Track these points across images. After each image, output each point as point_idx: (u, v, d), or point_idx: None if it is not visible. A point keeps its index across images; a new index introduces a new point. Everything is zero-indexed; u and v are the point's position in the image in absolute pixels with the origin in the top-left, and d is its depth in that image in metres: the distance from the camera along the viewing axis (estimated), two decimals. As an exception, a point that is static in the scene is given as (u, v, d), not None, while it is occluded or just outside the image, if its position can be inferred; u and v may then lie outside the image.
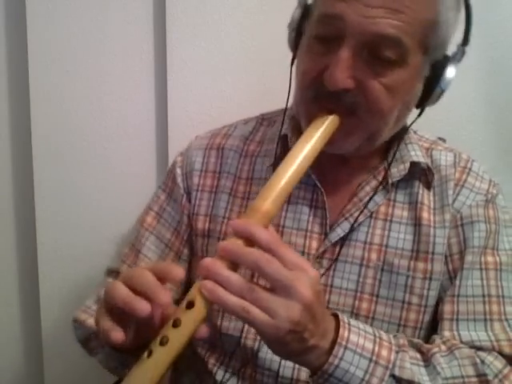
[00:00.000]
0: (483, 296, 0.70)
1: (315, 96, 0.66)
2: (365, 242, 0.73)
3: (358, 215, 0.72)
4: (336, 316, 0.61)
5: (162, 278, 0.54)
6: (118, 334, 0.54)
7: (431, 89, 0.67)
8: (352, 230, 0.73)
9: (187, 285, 0.81)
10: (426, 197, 0.75)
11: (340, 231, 0.73)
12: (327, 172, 0.75)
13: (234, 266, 0.56)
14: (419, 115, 0.71)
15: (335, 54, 0.62)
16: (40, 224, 1.17)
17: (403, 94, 0.65)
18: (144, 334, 0.56)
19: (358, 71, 0.62)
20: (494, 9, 1.03)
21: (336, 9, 0.62)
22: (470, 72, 1.05)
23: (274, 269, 0.53)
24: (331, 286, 0.73)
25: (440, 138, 0.83)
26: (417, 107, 0.71)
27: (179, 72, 1.09)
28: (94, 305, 0.80)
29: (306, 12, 0.69)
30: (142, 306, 0.52)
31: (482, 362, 0.65)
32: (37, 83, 1.11)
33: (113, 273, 0.86)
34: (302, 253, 0.74)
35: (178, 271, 0.54)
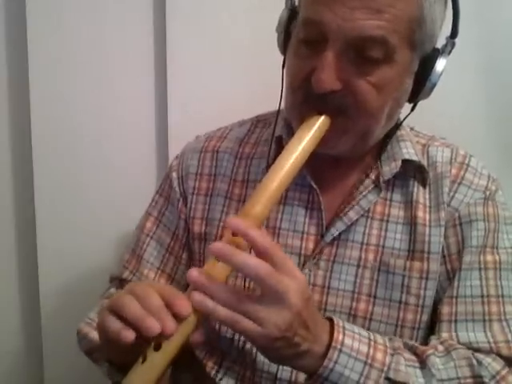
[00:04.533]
0: (482, 296, 0.70)
1: (305, 98, 0.66)
2: (362, 243, 0.73)
3: (348, 211, 0.72)
4: (331, 320, 0.61)
5: (168, 304, 0.55)
6: (128, 333, 0.54)
7: (422, 83, 0.67)
8: (347, 230, 0.72)
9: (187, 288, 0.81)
10: (421, 195, 0.74)
11: (334, 231, 0.72)
12: (323, 172, 0.74)
13: (223, 275, 0.57)
14: (412, 110, 0.71)
15: (321, 57, 0.62)
16: (40, 224, 1.17)
17: (392, 91, 0.65)
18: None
19: (345, 72, 0.62)
20: (495, 6, 1.03)
21: (317, 14, 0.62)
22: (471, 69, 1.05)
23: (263, 274, 0.54)
24: (328, 287, 0.72)
25: (440, 138, 0.83)
26: (409, 102, 0.71)
27: (179, 72, 1.09)
28: (97, 318, 0.80)
29: (292, 14, 0.68)
30: (153, 325, 0.53)
31: (479, 363, 0.64)
32: (37, 83, 1.11)
33: (115, 279, 0.86)
34: (299, 254, 0.73)
35: (183, 307, 0.55)
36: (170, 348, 0.54)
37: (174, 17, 1.07)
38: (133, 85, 1.13)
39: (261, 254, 0.55)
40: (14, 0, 1.12)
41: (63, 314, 1.20)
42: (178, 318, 0.55)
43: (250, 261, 0.54)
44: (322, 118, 0.65)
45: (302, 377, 0.70)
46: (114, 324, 0.56)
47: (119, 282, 0.84)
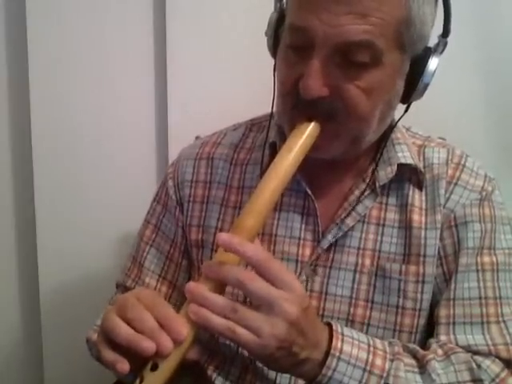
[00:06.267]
0: (480, 298, 0.69)
1: (294, 104, 0.65)
2: (358, 248, 0.72)
3: (345, 217, 0.71)
4: (330, 325, 0.61)
5: (163, 326, 0.54)
6: (123, 366, 0.55)
7: (414, 83, 0.66)
8: (344, 235, 0.72)
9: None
10: (416, 198, 0.73)
11: (331, 237, 0.72)
12: (317, 177, 0.74)
13: (220, 288, 0.57)
14: (406, 111, 0.70)
15: (308, 64, 0.61)
16: (40, 224, 1.17)
17: (382, 94, 0.64)
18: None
19: (332, 78, 0.61)
20: (493, 7, 1.03)
21: (303, 20, 0.61)
22: (470, 69, 1.05)
23: (256, 286, 0.54)
24: (326, 293, 0.72)
25: (440, 138, 0.83)
26: (403, 103, 0.70)
27: (179, 72, 1.09)
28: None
29: (281, 17, 0.67)
30: (148, 345, 0.53)
31: (479, 366, 0.64)
32: (37, 83, 1.11)
33: (121, 286, 0.86)
34: (296, 261, 0.73)
35: (180, 330, 0.54)
36: (166, 368, 0.54)
37: (174, 17, 1.07)
38: (133, 85, 1.13)
39: (255, 267, 0.55)
40: (13, 0, 1.12)
41: (63, 314, 1.20)
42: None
43: (233, 270, 0.55)
44: (312, 124, 0.64)
45: (300, 382, 0.69)
46: (109, 355, 0.56)
47: (124, 288, 0.84)
